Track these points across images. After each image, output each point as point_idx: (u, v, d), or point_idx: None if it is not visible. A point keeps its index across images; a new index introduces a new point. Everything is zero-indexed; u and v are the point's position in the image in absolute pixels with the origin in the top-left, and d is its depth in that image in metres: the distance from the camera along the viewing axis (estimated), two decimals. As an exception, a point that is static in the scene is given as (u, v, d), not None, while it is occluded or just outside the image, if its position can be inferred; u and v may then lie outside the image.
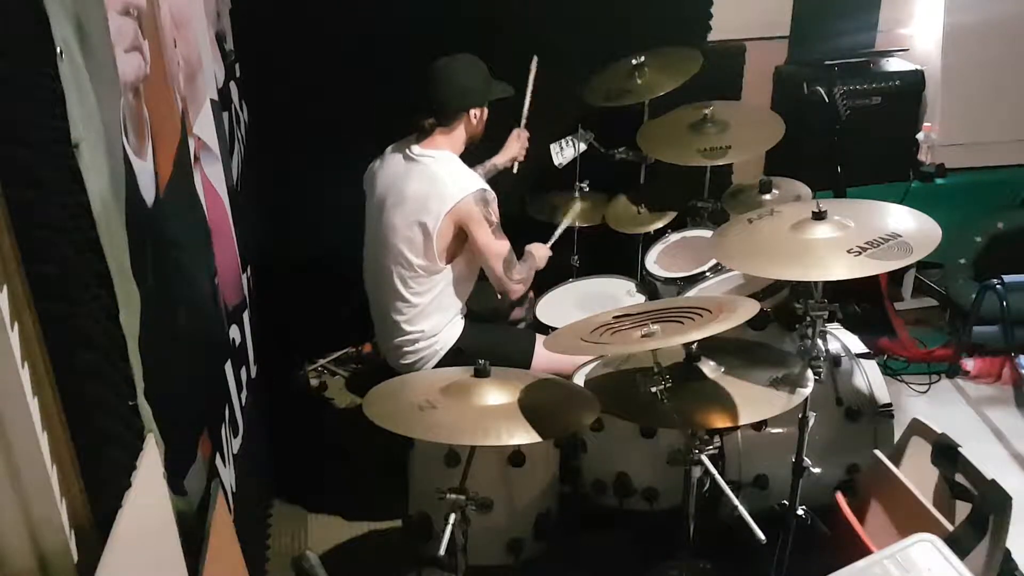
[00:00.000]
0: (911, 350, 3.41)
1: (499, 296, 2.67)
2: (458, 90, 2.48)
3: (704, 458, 1.88)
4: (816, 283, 1.95)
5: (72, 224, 1.07)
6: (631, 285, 2.97)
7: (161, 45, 1.62)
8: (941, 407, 3.19)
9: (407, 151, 2.51)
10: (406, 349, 2.57)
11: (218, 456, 1.76)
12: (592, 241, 3.14)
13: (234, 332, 2.19)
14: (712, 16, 3.38)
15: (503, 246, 2.52)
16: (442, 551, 1.73)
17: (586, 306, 2.84)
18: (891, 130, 3.51)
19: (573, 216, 3.02)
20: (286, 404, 3.04)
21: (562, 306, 2.90)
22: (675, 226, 3.03)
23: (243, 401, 2.19)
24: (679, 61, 3.01)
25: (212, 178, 2.06)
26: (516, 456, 2.15)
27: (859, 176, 3.34)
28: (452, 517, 1.75)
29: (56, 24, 1.03)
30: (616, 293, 2.94)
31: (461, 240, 2.49)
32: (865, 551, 1.68)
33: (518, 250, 2.66)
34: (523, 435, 1.70)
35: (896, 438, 2.29)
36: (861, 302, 3.40)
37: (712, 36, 3.41)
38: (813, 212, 1.90)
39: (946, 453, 1.95)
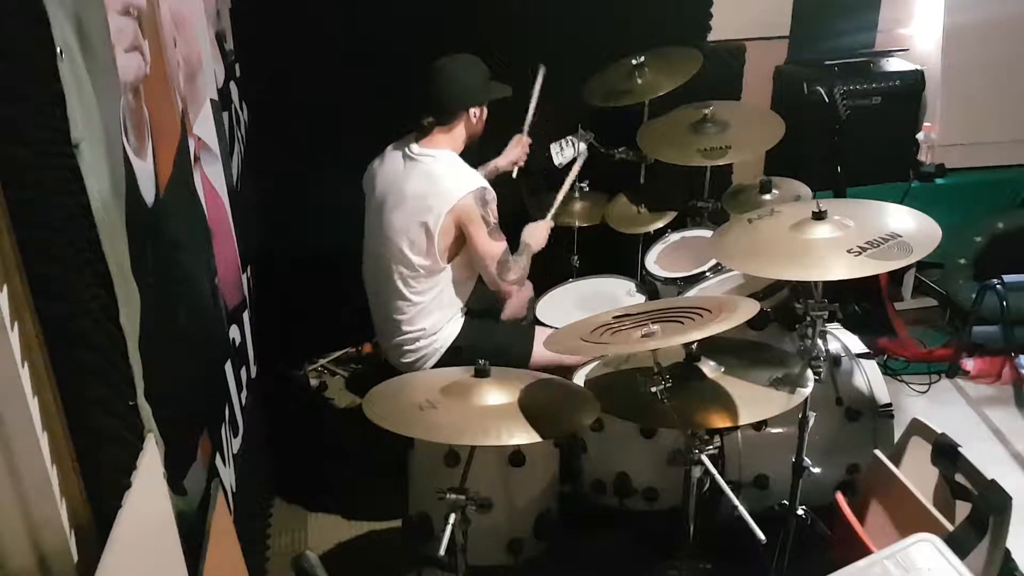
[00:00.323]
0: (911, 350, 3.41)
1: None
2: (458, 89, 2.49)
3: (704, 458, 1.88)
4: (816, 283, 1.96)
5: (72, 224, 1.07)
6: (631, 285, 2.97)
7: (161, 45, 1.62)
8: (941, 407, 3.19)
9: (407, 150, 2.51)
10: (407, 347, 2.58)
11: (218, 456, 1.76)
12: (592, 241, 3.14)
13: (234, 332, 2.19)
14: (712, 16, 3.38)
15: (498, 247, 2.51)
16: (442, 551, 1.73)
17: (586, 306, 2.84)
18: (891, 130, 3.50)
19: (571, 181, 2.99)
20: (286, 404, 3.04)
21: (562, 306, 2.90)
22: (675, 226, 3.04)
23: (243, 401, 2.19)
24: (679, 61, 3.01)
25: (212, 178, 2.06)
26: (516, 456, 2.15)
27: (859, 176, 3.34)
28: (452, 517, 1.75)
29: (56, 24, 1.03)
30: (616, 293, 2.94)
31: (462, 239, 2.49)
32: (865, 551, 1.68)
33: (517, 237, 2.67)
34: (523, 435, 1.70)
35: (896, 438, 2.29)
36: (861, 302, 3.40)
37: (712, 36, 3.41)
38: (813, 212, 1.90)
39: (946, 453, 1.95)
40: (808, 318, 1.97)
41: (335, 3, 3.03)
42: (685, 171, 2.96)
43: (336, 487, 2.83)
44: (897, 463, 2.14)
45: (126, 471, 1.17)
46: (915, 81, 3.48)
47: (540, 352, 2.58)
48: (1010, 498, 1.73)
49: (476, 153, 2.66)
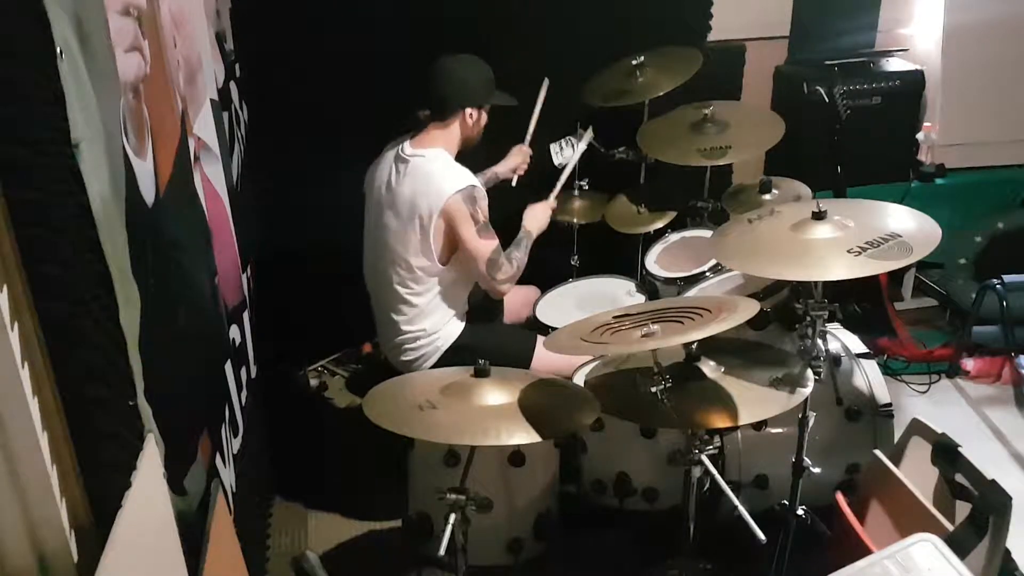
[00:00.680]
0: (911, 350, 3.41)
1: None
2: (457, 86, 2.49)
3: (704, 458, 1.88)
4: (816, 283, 1.95)
5: (72, 224, 1.07)
6: (631, 285, 2.97)
7: (161, 45, 1.62)
8: (941, 407, 3.19)
9: (400, 151, 2.52)
10: (407, 347, 2.58)
11: (218, 456, 1.76)
12: (592, 241, 3.14)
13: (234, 332, 2.19)
14: (712, 16, 3.38)
15: (488, 245, 2.49)
16: (442, 551, 1.73)
17: (586, 306, 2.84)
18: (891, 130, 3.50)
19: (573, 165, 2.98)
20: (286, 404, 3.04)
21: (562, 306, 2.90)
22: (675, 226, 3.03)
23: (243, 401, 2.19)
24: (679, 61, 3.01)
25: (212, 178, 2.06)
26: (516, 456, 2.15)
27: (859, 176, 3.33)
28: (452, 517, 1.75)
29: (56, 24, 1.03)
30: (616, 293, 2.94)
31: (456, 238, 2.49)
32: (865, 551, 1.68)
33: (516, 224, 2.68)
34: (523, 435, 1.69)
35: (896, 438, 2.29)
36: (861, 302, 3.39)
37: (712, 36, 3.40)
38: (813, 212, 1.90)
39: (946, 453, 1.95)
40: (808, 318, 1.97)
41: (335, 3, 3.03)
42: (685, 171, 2.96)
43: (336, 487, 2.83)
44: (897, 463, 2.14)
45: (126, 471, 1.17)
46: (915, 81, 3.48)
47: (540, 356, 2.58)
48: (1010, 498, 1.73)
49: (468, 155, 2.65)
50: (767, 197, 2.78)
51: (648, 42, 3.08)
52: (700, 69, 2.97)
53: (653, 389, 1.83)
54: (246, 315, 2.40)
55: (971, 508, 1.80)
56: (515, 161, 2.92)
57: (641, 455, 2.33)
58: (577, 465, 2.40)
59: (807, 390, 1.86)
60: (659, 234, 3.00)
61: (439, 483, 1.81)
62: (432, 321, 2.55)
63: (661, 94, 2.97)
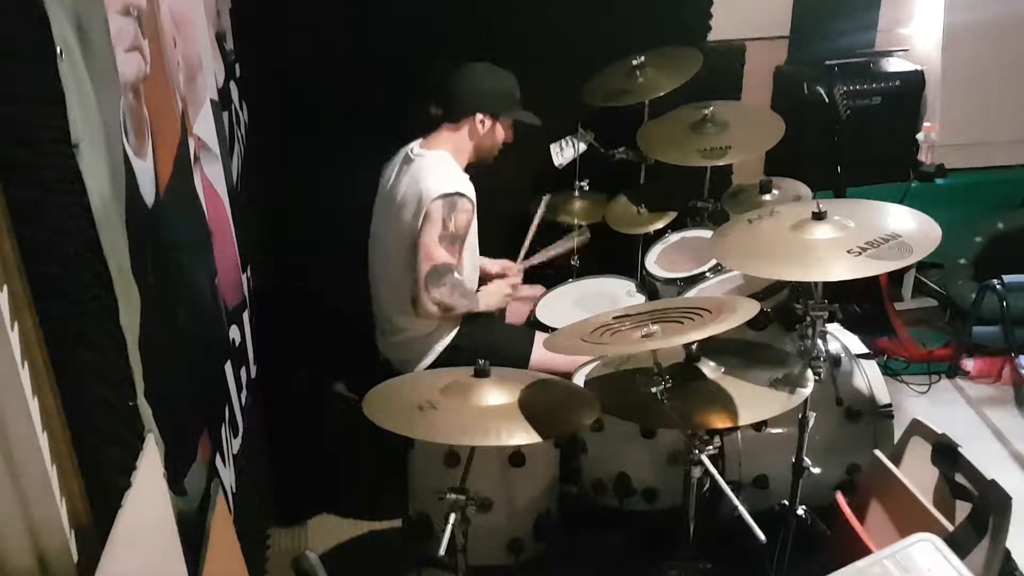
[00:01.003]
0: (911, 350, 3.41)
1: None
2: (471, 89, 2.50)
3: (704, 458, 1.88)
4: (816, 283, 1.95)
5: (72, 224, 1.07)
6: (631, 285, 2.96)
7: (161, 45, 1.62)
8: (941, 407, 3.19)
9: (409, 151, 2.53)
10: (405, 346, 2.58)
11: (218, 456, 1.76)
12: (592, 241, 3.14)
13: (234, 332, 2.19)
14: (712, 16, 3.38)
15: (441, 255, 2.40)
16: (442, 551, 1.73)
17: (586, 306, 2.84)
18: (891, 130, 3.50)
19: (539, 217, 2.89)
20: (286, 404, 3.04)
21: (562, 306, 2.90)
22: (675, 226, 3.03)
23: (243, 401, 2.19)
24: (679, 61, 3.01)
25: (212, 178, 2.06)
26: (516, 456, 2.15)
27: (859, 176, 3.33)
28: (452, 517, 1.75)
29: (56, 24, 1.03)
30: (616, 293, 2.94)
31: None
32: (865, 551, 1.68)
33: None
34: (523, 435, 1.69)
35: (896, 438, 2.29)
36: (861, 302, 3.40)
37: (712, 36, 3.41)
38: (813, 212, 1.90)
39: (946, 453, 1.95)
40: (808, 318, 1.97)
41: (335, 3, 3.03)
42: (685, 171, 2.96)
43: (336, 487, 2.83)
44: (897, 463, 2.14)
45: (126, 471, 1.17)
46: (915, 81, 3.48)
47: (538, 357, 2.58)
48: (1010, 498, 1.73)
49: (481, 168, 2.62)
50: (767, 197, 2.78)
51: (648, 42, 3.08)
52: (700, 69, 2.98)
53: (653, 389, 1.83)
54: (246, 315, 2.40)
55: (971, 508, 1.80)
56: (501, 271, 2.83)
57: (641, 455, 2.33)
58: (577, 465, 2.40)
59: (807, 390, 1.86)
60: (659, 234, 3.00)
61: (439, 483, 1.81)
62: (431, 320, 2.54)
63: (661, 94, 2.97)
